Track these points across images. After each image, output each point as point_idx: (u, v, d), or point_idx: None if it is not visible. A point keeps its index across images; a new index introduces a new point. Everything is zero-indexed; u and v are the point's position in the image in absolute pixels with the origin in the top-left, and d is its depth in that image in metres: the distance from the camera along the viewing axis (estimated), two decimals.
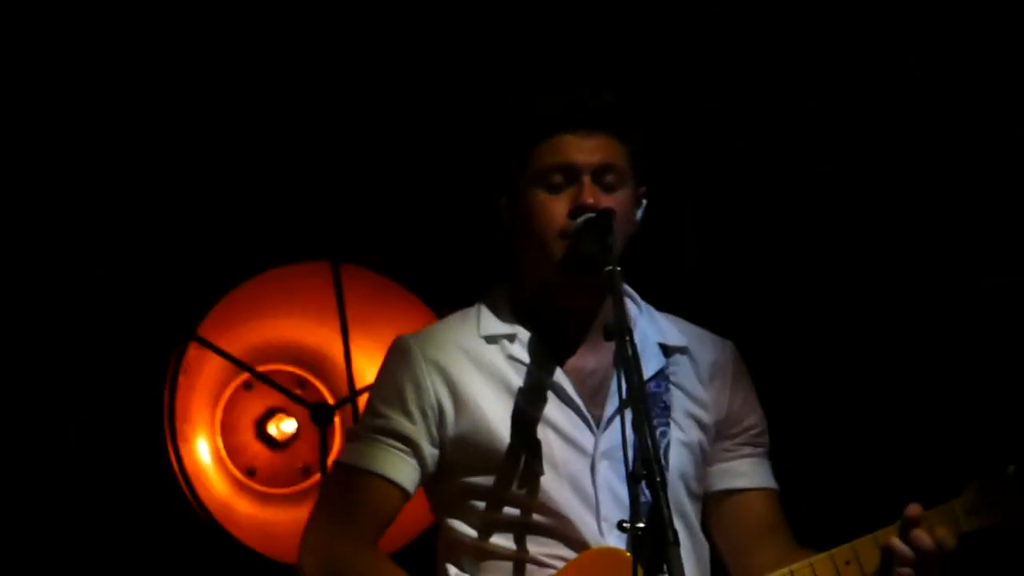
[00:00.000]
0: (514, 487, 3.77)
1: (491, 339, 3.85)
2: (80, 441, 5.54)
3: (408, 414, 3.81)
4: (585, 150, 3.79)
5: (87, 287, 5.65)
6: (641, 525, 3.20)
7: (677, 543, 3.19)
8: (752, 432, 3.94)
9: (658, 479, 3.24)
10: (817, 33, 5.98)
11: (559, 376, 3.78)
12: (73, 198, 5.74)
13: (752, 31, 6.05)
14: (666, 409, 3.85)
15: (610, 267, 3.59)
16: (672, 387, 3.88)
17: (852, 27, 5.99)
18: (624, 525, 3.27)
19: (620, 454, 3.41)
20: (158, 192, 5.84)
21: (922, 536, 3.62)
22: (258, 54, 6.00)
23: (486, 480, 3.79)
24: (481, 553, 3.80)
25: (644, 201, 3.95)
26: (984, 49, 5.83)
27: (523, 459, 3.76)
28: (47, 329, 5.67)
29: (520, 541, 3.77)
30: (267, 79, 5.96)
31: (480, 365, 3.84)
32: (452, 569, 3.82)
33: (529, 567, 3.76)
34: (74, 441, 5.54)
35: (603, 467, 3.77)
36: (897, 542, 3.63)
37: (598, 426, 3.77)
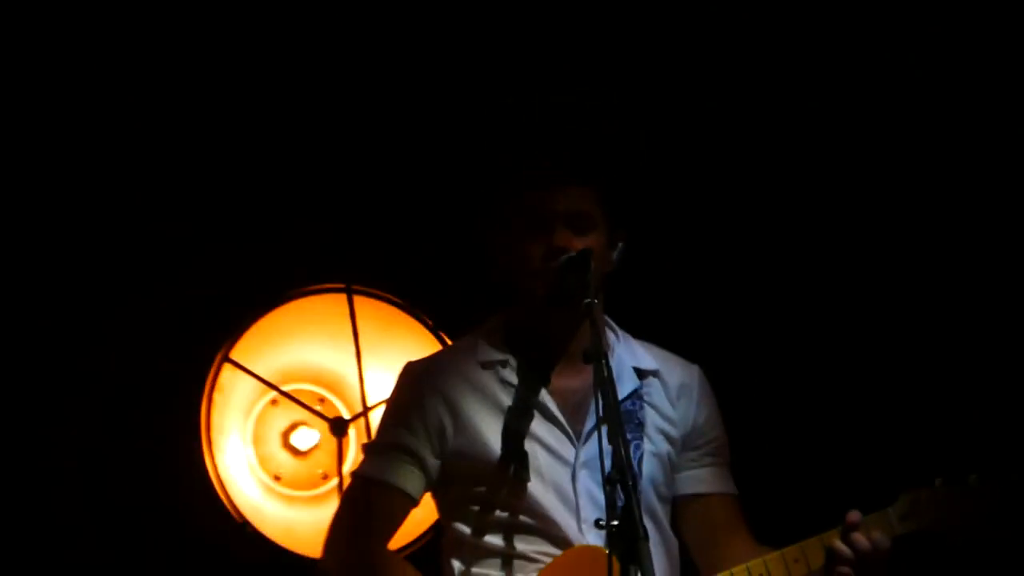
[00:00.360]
0: (505, 493, 4.01)
1: (486, 365, 4.11)
2: (129, 452, 5.66)
3: (414, 431, 4.07)
4: (557, 200, 4.03)
5: (135, 319, 5.71)
6: (615, 523, 3.44)
7: (647, 538, 3.44)
8: (714, 444, 4.17)
9: (630, 484, 3.48)
10: (812, 38, 5.82)
11: (544, 396, 4.04)
12: (121, 244, 5.82)
13: (747, 32, 5.89)
14: (640, 425, 4.09)
15: (588, 299, 3.81)
16: (645, 405, 4.12)
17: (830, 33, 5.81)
18: (600, 523, 3.50)
19: (598, 463, 3.66)
20: (197, 234, 5.81)
21: (860, 538, 3.88)
22: (283, 94, 5.92)
23: (481, 487, 4.04)
24: (477, 550, 4.03)
25: (621, 244, 4.11)
26: (983, 50, 5.68)
27: (512, 469, 4.01)
28: (100, 356, 5.73)
29: (510, 540, 4.02)
30: (293, 125, 5.94)
31: (476, 388, 4.10)
32: (455, 563, 4.05)
33: (517, 562, 4.01)
34: (124, 452, 5.67)
35: (583, 475, 4.01)
36: (838, 543, 3.90)
37: (579, 439, 4.02)
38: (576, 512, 4.02)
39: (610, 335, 4.18)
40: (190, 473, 5.63)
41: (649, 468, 4.09)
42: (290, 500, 5.70)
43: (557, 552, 4.02)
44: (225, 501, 5.59)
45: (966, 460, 4.18)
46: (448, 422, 4.08)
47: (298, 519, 5.60)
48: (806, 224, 6.06)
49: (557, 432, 4.05)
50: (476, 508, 4.07)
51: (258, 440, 5.73)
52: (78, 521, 5.73)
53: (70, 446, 5.76)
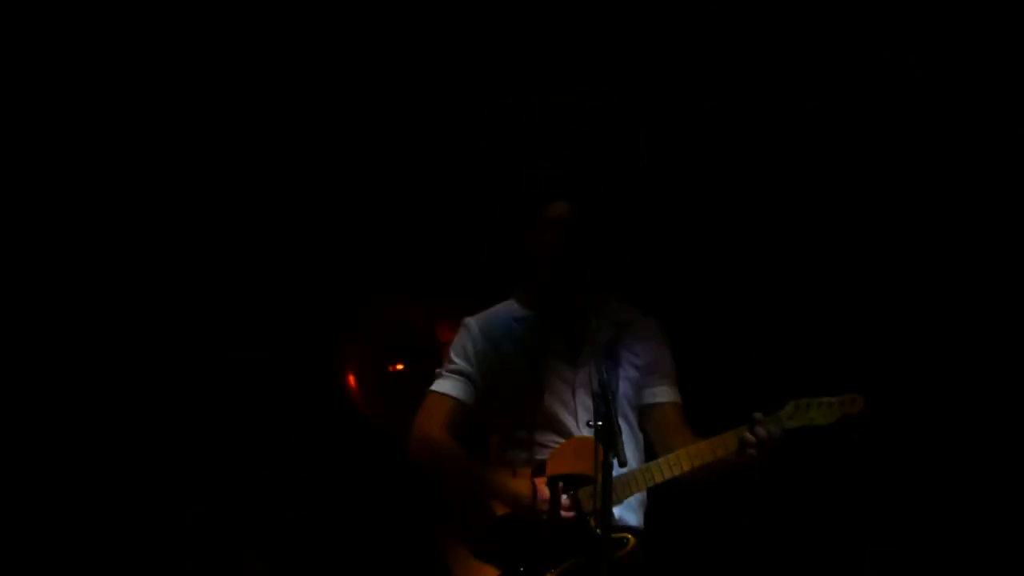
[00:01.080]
0: (527, 402, 4.80)
1: (517, 320, 4.90)
2: (299, 379, 6.17)
3: (468, 360, 4.87)
4: (563, 211, 4.80)
5: (304, 296, 6.15)
6: (600, 423, 4.23)
7: (620, 433, 4.23)
8: (666, 370, 4.92)
9: (609, 398, 4.25)
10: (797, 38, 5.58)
11: (554, 339, 4.84)
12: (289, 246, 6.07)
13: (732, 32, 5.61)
14: (617, 359, 4.83)
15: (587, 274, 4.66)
16: (621, 347, 4.85)
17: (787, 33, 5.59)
18: (590, 423, 4.31)
19: (589, 383, 4.63)
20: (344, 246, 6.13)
21: (761, 431, 4.62)
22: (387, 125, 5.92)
23: (511, 399, 4.83)
24: (510, 440, 4.83)
25: (613, 251, 4.74)
26: (983, 50, 5.42)
27: (533, 386, 4.81)
28: (278, 318, 6.10)
29: (531, 432, 4.79)
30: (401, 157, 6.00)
31: (509, 334, 4.88)
32: (496, 449, 4.84)
33: (536, 447, 4.76)
34: (295, 379, 6.16)
35: (580, 391, 4.79)
36: (747, 434, 4.63)
37: (577, 367, 4.81)
38: (575, 415, 4.77)
39: (601, 299, 4.81)
40: (335, 389, 6.33)
41: (623, 387, 4.81)
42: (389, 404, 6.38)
43: (562, 440, 4.76)
44: (353, 404, 6.40)
45: (835, 379, 4.79)
46: (490, 356, 4.85)
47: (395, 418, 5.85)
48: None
49: (562, 363, 4.82)
50: (508, 412, 4.84)
51: (373, 368, 6.47)
52: (252, 427, 6.12)
53: (252, 379, 6.08)
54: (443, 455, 4.81)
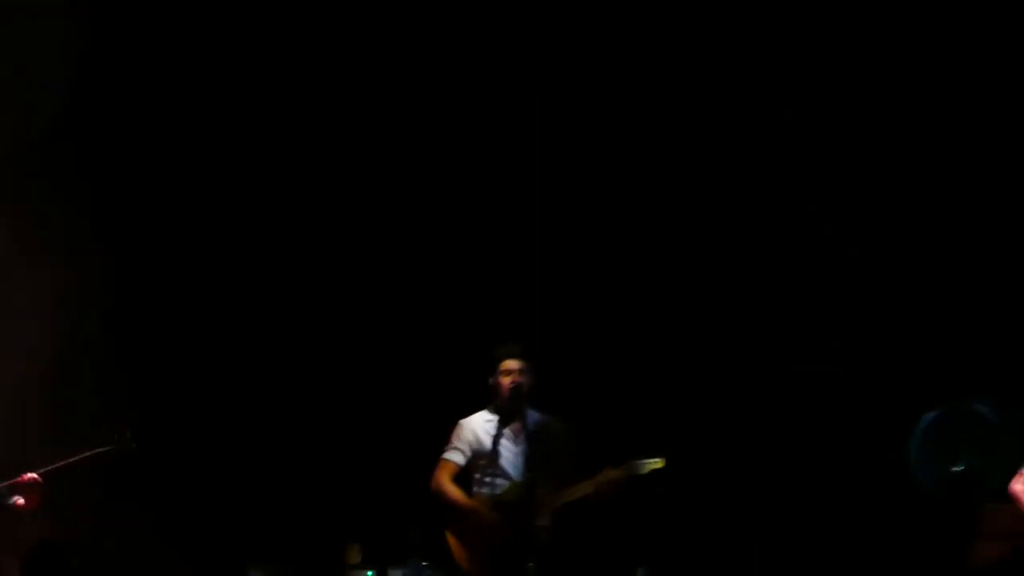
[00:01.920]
0: (491, 464, 7.74)
1: (487, 421, 7.85)
2: None
3: (462, 442, 7.89)
4: (513, 366, 7.74)
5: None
6: (528, 476, 7.53)
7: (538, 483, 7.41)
8: (565, 449, 7.73)
9: (531, 464, 7.49)
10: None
11: (506, 432, 7.80)
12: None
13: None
14: (538, 443, 7.70)
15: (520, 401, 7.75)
16: (541, 435, 7.72)
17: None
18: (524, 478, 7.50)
19: (522, 456, 7.77)
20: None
21: (611, 477, 7.41)
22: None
23: (483, 462, 7.80)
24: (481, 483, 7.75)
25: (538, 387, 7.51)
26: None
27: (494, 458, 7.77)
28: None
29: (492, 480, 7.74)
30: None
31: (483, 429, 7.86)
32: (475, 488, 7.69)
33: (494, 488, 7.63)
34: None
35: (518, 460, 7.77)
36: (601, 480, 7.42)
37: (517, 447, 7.77)
38: (515, 471, 7.78)
39: (528, 411, 7.78)
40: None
41: (541, 459, 7.67)
42: None
43: (507, 484, 7.72)
44: None
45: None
46: (472, 440, 7.83)
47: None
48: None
49: (510, 445, 7.81)
50: (481, 467, 7.77)
51: None
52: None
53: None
54: (450, 492, 7.87)
